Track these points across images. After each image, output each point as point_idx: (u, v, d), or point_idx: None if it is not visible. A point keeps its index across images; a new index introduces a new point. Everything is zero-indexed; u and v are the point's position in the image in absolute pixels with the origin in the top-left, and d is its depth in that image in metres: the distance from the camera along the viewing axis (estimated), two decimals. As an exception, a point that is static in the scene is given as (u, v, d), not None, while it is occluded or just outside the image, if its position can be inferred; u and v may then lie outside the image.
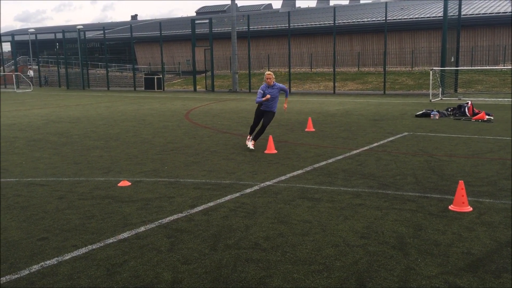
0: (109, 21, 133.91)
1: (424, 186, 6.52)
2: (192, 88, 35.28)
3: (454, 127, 12.35)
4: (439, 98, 21.65)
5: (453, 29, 26.04)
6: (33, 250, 4.45)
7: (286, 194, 6.22)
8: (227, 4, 67.12)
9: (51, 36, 48.81)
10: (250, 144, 9.51)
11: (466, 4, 36.73)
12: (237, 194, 6.25)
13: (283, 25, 38.44)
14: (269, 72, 9.39)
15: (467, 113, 14.19)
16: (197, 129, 12.86)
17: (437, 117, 14.28)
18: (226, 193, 6.32)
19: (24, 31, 65.00)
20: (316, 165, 7.97)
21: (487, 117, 13.57)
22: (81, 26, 44.17)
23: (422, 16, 38.38)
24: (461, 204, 5.43)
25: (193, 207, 5.72)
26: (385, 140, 10.43)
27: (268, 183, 6.83)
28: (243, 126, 13.36)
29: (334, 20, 28.34)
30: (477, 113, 13.92)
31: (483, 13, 35.53)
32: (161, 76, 36.04)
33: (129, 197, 6.21)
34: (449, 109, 15.13)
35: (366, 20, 40.69)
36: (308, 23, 42.56)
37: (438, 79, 22.79)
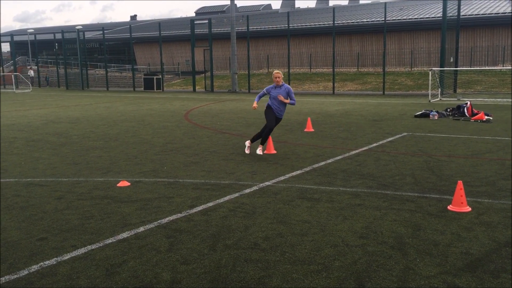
0: (109, 21, 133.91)
1: (423, 186, 6.53)
2: (191, 88, 35.29)
3: (453, 128, 12.36)
4: (438, 99, 21.66)
5: (452, 29, 26.06)
6: (32, 250, 4.45)
7: (285, 194, 6.22)
8: (227, 5, 67.14)
9: (50, 36, 48.83)
10: (258, 150, 9.03)
11: (465, 4, 36.76)
12: (236, 194, 6.26)
13: (283, 26, 38.47)
14: (277, 71, 8.67)
15: (466, 114, 14.21)
16: (196, 130, 12.86)
17: (436, 118, 14.29)
18: (225, 193, 6.33)
19: (23, 32, 64.99)
20: (315, 165, 7.97)
21: (486, 117, 13.58)
22: (81, 27, 44.19)
23: (421, 16, 38.42)
24: (460, 204, 5.43)
25: (192, 207, 5.72)
26: (384, 141, 10.44)
27: (267, 183, 6.84)
28: (242, 126, 13.36)
29: (334, 21, 28.36)
30: (476, 114, 13.93)
31: (482, 14, 35.58)
32: (160, 77, 36.04)
33: (128, 197, 6.21)
34: (448, 110, 15.14)
35: (365, 20, 40.73)
36: (308, 24, 42.59)
37: (437, 80, 22.81)
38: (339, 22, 37.46)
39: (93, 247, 4.50)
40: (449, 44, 25.78)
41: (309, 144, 10.20)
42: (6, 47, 62.53)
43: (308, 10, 55.93)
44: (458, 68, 26.43)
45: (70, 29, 50.18)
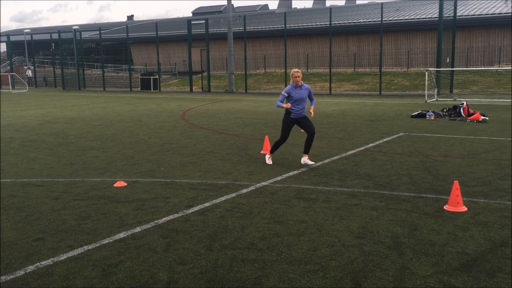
0: (105, 21, 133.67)
1: (420, 186, 6.55)
2: (188, 88, 35.26)
3: (450, 128, 12.40)
4: (435, 99, 21.72)
5: (448, 30, 26.13)
6: (29, 251, 4.44)
7: (282, 195, 6.23)
8: (224, 5, 67.11)
9: (47, 36, 48.69)
10: (268, 159, 8.25)
11: (461, 5, 36.87)
12: (233, 195, 6.26)
13: (279, 26, 38.50)
14: (297, 70, 7.80)
15: (462, 114, 14.25)
16: (193, 130, 12.86)
17: (432, 118, 14.33)
18: (222, 193, 6.33)
19: (19, 32, 64.81)
20: (312, 166, 7.98)
21: (482, 117, 13.63)
22: (77, 27, 44.12)
23: (417, 17, 38.50)
24: (456, 204, 5.45)
25: (189, 207, 5.72)
26: (381, 141, 10.46)
27: (264, 183, 6.84)
28: (239, 126, 13.37)
29: (330, 21, 28.40)
30: (472, 114, 13.98)
31: (478, 14, 35.67)
32: (157, 77, 36.00)
33: (125, 197, 6.21)
34: (445, 110, 15.18)
35: (362, 21, 40.79)
36: (304, 24, 42.61)
37: (434, 80, 22.87)
38: (335, 22, 37.52)
39: (89, 247, 4.50)
40: (446, 44, 25.86)
41: (306, 144, 10.19)
42: (2, 47, 62.35)
43: (305, 11, 55.98)
44: (454, 69, 26.50)
45: (67, 29, 50.03)
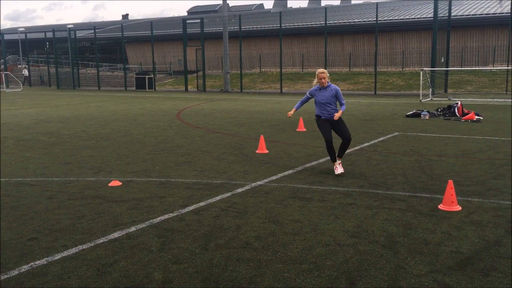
0: (100, 20, 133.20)
1: (414, 185, 6.57)
2: (183, 88, 35.20)
3: (444, 127, 12.44)
4: (429, 99, 21.79)
5: (443, 30, 26.23)
6: (23, 250, 4.42)
7: (277, 194, 6.23)
8: (219, 4, 67.02)
9: (41, 35, 48.46)
10: (339, 169, 7.27)
11: (456, 5, 37.00)
12: (228, 194, 6.26)
13: (275, 25, 38.48)
14: (322, 70, 7.20)
15: (457, 113, 14.31)
16: (188, 129, 12.84)
17: (427, 117, 14.38)
18: (217, 193, 6.33)
19: (13, 30, 64.47)
20: (307, 165, 7.99)
21: (476, 117, 13.69)
22: (72, 25, 43.95)
23: (412, 17, 38.61)
24: (450, 203, 5.48)
25: (184, 207, 5.71)
26: (376, 140, 10.48)
27: (259, 182, 6.84)
28: (234, 126, 13.36)
29: (326, 21, 28.44)
30: (467, 113, 14.04)
31: (472, 14, 35.82)
32: (152, 76, 35.92)
33: (120, 197, 6.19)
34: (439, 109, 15.24)
35: (357, 20, 40.86)
36: (300, 24, 42.64)
37: (428, 80, 22.95)
38: (331, 22, 37.55)
39: (84, 247, 4.48)
40: (440, 44, 25.95)
41: (301, 143, 10.22)
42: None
43: (300, 10, 56.01)
44: (449, 68, 26.60)
45: (61, 28, 49.85)
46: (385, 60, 38.64)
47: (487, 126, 12.45)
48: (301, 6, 68.68)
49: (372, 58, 34.45)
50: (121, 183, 6.84)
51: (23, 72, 46.21)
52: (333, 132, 7.33)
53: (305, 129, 12.26)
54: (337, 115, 7.18)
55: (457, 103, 14.75)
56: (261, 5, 71.40)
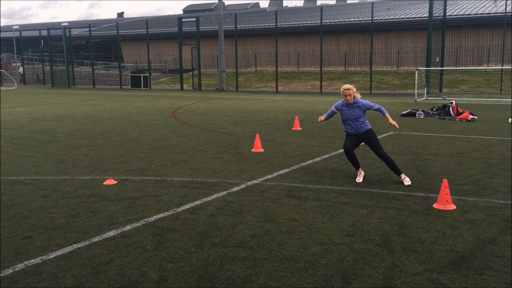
0: (95, 18, 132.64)
1: (409, 184, 6.58)
2: (179, 86, 35.13)
3: (439, 127, 12.48)
4: (424, 98, 21.85)
5: (438, 29, 26.30)
6: (17, 249, 4.40)
7: (272, 193, 6.24)
8: (215, 3, 66.94)
9: (36, 33, 48.20)
10: (359, 177, 6.88)
11: (451, 4, 37.11)
12: (224, 193, 6.26)
13: (270, 24, 38.45)
14: (347, 87, 6.69)
15: (452, 113, 14.36)
16: (184, 128, 12.82)
17: (422, 117, 14.42)
18: (213, 191, 6.32)
19: (8, 28, 64.08)
20: (303, 164, 8.00)
21: (471, 116, 13.74)
22: (67, 23, 43.72)
23: (408, 16, 38.69)
24: (445, 202, 5.50)
25: (179, 205, 5.71)
26: (371, 139, 10.49)
27: (254, 181, 6.84)
28: (230, 125, 13.35)
29: (321, 20, 28.44)
30: (461, 113, 14.09)
31: (467, 14, 35.95)
32: (147, 75, 35.82)
33: (115, 195, 6.18)
34: (434, 109, 15.28)
35: (352, 20, 40.90)
36: (295, 23, 42.65)
37: (423, 79, 23.02)
38: (326, 21, 37.57)
39: (79, 246, 4.47)
40: (435, 44, 26.02)
41: (297, 142, 10.22)
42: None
43: (295, 9, 56.01)
44: (443, 68, 26.69)
45: (56, 26, 49.60)
46: (380, 59, 38.72)
47: (481, 126, 12.51)
48: (297, 5, 68.68)
49: (367, 57, 34.52)
50: (116, 182, 6.83)
51: (19, 70, 45.97)
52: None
53: (300, 128, 12.27)
54: (393, 122, 6.80)
55: (452, 103, 14.80)
56: (257, 4, 71.35)
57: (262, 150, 9.20)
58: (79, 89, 35.33)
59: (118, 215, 5.36)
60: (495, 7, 36.37)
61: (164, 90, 33.10)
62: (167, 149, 9.55)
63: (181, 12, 72.49)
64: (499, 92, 25.18)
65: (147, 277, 3.81)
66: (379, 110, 6.85)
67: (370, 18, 28.16)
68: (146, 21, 36.84)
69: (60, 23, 53.47)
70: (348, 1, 62.25)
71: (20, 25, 64.69)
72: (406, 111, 15.17)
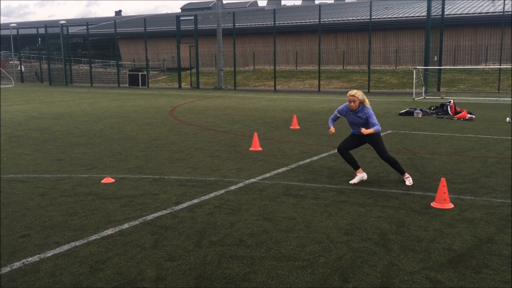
0: (93, 16, 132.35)
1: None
2: (177, 85, 35.10)
3: (437, 126, 12.50)
4: (422, 97, 21.88)
5: (436, 28, 26.33)
6: (15, 247, 4.39)
7: (270, 191, 6.24)
8: (213, 1, 66.83)
9: (34, 31, 48.09)
10: (355, 178, 6.70)
11: (449, 4, 37.14)
12: (222, 191, 6.25)
13: (269, 23, 38.45)
14: (352, 93, 6.43)
15: (450, 112, 14.38)
16: (181, 126, 12.81)
17: (420, 116, 14.44)
18: (211, 190, 6.32)
19: (6, 26, 63.90)
20: (301, 163, 8.00)
21: (469, 115, 13.76)
22: (64, 21, 43.64)
23: (406, 15, 38.72)
24: (442, 201, 5.50)
25: (177, 204, 5.70)
26: (369, 138, 10.50)
27: (252, 180, 6.84)
28: (228, 123, 13.35)
29: (320, 19, 28.45)
30: (459, 112, 14.11)
31: (465, 13, 35.99)
32: (145, 73, 35.78)
33: (113, 194, 6.17)
34: (432, 108, 15.30)
35: (351, 18, 40.91)
36: (294, 21, 42.65)
37: (422, 78, 23.04)
38: (325, 20, 37.56)
39: (76, 244, 4.46)
40: (433, 43, 26.05)
41: (295, 141, 10.22)
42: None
43: (294, 8, 56.00)
44: (442, 67, 26.73)
45: (54, 24, 49.46)
46: (378, 58, 38.75)
47: (479, 125, 12.53)
48: (295, 4, 68.69)
49: (365, 56, 34.54)
50: (114, 180, 6.81)
51: (19, 68, 45.86)
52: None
53: (298, 127, 12.27)
54: (364, 131, 6.35)
55: (450, 102, 14.82)
56: (255, 3, 71.27)
57: (260, 148, 9.20)
58: (77, 87, 35.26)
59: (116, 214, 5.35)
60: (493, 6, 36.42)
61: (162, 89, 33.07)
62: (165, 148, 9.54)
63: (179, 10, 72.39)
64: (497, 91, 25.25)
65: (145, 276, 3.81)
66: (375, 126, 6.48)
67: (369, 17, 28.18)
68: (144, 19, 36.78)
69: (58, 21, 53.35)
70: (346, 0, 62.24)
71: (18, 23, 64.45)
72: (404, 110, 15.18)
